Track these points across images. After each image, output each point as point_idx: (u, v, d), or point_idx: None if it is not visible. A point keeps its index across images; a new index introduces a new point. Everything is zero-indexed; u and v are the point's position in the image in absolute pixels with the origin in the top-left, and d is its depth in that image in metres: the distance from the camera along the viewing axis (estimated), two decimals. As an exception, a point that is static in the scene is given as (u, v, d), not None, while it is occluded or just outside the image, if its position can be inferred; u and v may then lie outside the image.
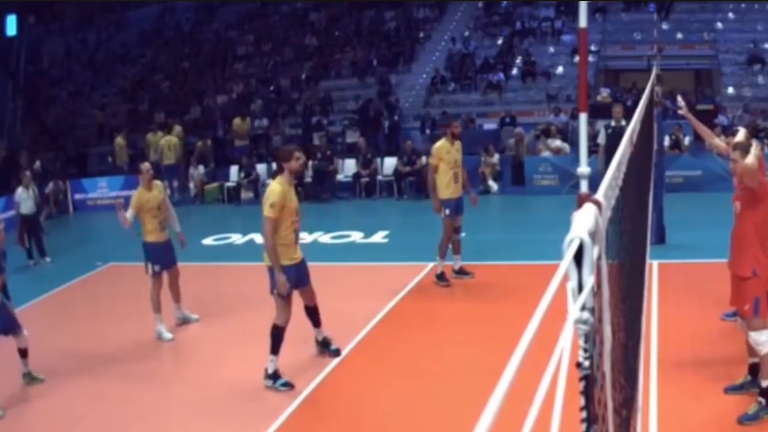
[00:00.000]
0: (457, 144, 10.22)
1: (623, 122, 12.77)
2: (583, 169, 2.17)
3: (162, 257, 9.10)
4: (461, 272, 10.62)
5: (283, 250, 7.31)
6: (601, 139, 13.47)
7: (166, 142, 19.58)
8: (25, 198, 13.86)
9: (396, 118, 21.86)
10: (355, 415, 6.76)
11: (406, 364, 7.76)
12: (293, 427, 6.58)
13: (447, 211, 10.08)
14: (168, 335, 8.99)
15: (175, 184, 19.70)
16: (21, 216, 13.87)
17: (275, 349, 7.34)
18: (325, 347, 8.09)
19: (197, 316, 9.57)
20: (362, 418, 6.69)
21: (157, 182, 9.41)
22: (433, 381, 7.24)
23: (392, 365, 7.78)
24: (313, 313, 7.97)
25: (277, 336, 7.35)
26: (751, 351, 6.03)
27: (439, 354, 7.99)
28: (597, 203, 1.74)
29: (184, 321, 9.47)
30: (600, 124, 15.01)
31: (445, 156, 10.08)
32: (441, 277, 10.33)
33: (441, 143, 10.20)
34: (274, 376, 7.34)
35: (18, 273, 13.10)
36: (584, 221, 1.53)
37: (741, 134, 7.16)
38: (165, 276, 9.19)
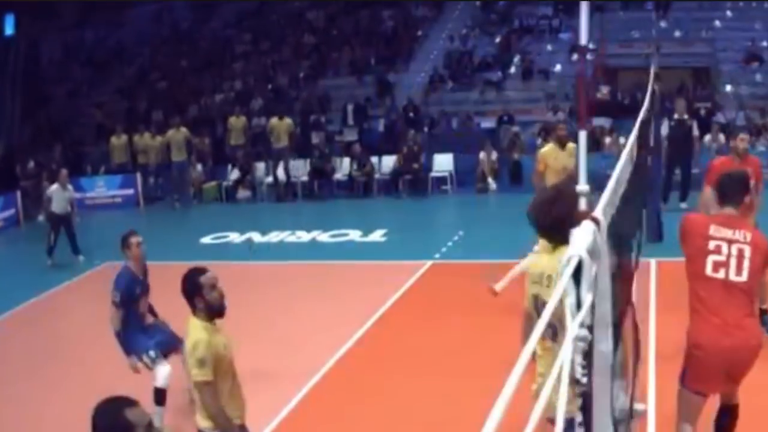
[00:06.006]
0: (570, 148, 9.27)
1: (686, 116, 12.96)
2: (582, 187, 2.17)
3: None
4: None
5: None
6: (665, 131, 13.40)
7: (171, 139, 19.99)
8: (59, 198, 13.28)
9: (393, 116, 21.87)
10: (353, 416, 6.77)
11: (405, 364, 7.77)
12: (293, 426, 6.60)
13: None
14: None
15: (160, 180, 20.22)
16: (52, 214, 13.35)
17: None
18: None
19: None
20: (360, 419, 6.70)
21: None
22: (433, 381, 7.26)
23: (390, 365, 7.80)
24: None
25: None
26: None
27: (439, 354, 8.00)
28: (596, 221, 1.75)
29: None
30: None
31: (552, 162, 9.47)
32: None
33: (548, 148, 9.77)
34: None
35: (17, 273, 13.12)
36: (583, 239, 1.54)
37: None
38: None
